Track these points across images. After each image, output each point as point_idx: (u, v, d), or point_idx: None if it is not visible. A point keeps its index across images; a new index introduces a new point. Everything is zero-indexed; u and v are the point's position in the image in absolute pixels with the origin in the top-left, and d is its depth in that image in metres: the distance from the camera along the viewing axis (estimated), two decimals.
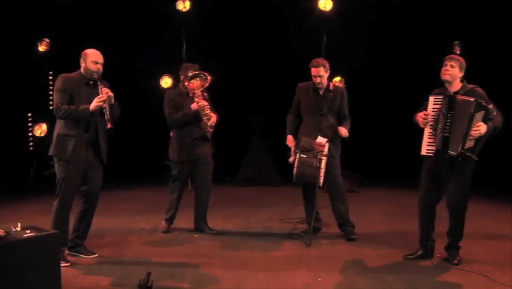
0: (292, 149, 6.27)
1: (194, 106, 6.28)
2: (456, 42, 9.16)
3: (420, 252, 5.68)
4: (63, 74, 5.48)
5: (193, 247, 6.10)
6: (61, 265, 4.85)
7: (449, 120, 5.23)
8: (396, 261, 5.66)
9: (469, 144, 5.18)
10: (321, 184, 6.16)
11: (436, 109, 5.34)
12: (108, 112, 5.34)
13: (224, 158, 8.96)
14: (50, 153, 5.49)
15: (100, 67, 5.48)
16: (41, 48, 9.22)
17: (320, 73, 6.21)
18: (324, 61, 6.27)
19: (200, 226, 6.62)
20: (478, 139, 5.19)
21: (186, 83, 6.25)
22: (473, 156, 5.22)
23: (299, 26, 9.43)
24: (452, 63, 5.32)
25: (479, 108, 5.14)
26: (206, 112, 6.30)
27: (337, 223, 6.49)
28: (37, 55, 9.20)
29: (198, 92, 6.27)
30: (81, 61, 5.50)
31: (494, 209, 7.82)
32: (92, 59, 5.46)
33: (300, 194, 6.55)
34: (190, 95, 6.29)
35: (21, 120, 9.43)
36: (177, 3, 9.42)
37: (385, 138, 9.45)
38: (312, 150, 6.09)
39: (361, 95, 8.51)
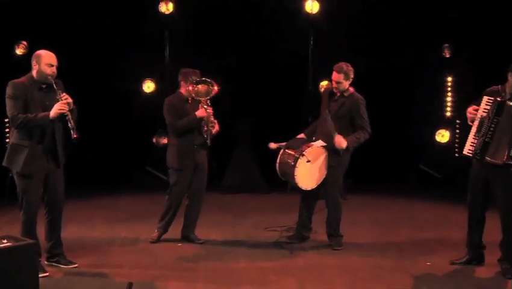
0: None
1: (202, 113, 6.11)
2: (446, 45, 9.14)
3: (467, 257, 5.58)
4: (13, 81, 5.17)
5: (176, 257, 5.96)
6: (39, 275, 4.74)
7: (493, 125, 5.17)
8: (385, 270, 5.55)
9: None
10: (300, 185, 6.06)
11: (486, 110, 5.24)
12: (71, 120, 5.10)
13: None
14: (4, 163, 5.25)
15: (55, 70, 5.19)
16: (19, 51, 8.98)
17: (339, 79, 6.05)
18: (349, 68, 6.07)
19: (188, 233, 6.46)
20: None
21: (191, 88, 6.08)
22: None
23: (286, 28, 9.33)
24: None
25: None
26: (211, 119, 6.17)
27: (326, 233, 6.38)
28: (14, 58, 8.96)
29: (204, 99, 6.11)
30: (33, 63, 5.19)
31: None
32: (47, 61, 5.16)
33: (287, 201, 6.43)
34: (189, 101, 6.18)
35: None
36: (160, 5, 9.28)
37: (374, 142, 9.36)
38: (296, 149, 6.00)
39: None
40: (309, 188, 6.15)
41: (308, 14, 9.23)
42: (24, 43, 9.01)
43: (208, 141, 6.25)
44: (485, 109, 5.25)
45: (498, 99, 5.20)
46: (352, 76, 6.10)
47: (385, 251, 6.12)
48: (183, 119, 6.20)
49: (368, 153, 9.48)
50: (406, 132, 9.52)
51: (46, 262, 5.42)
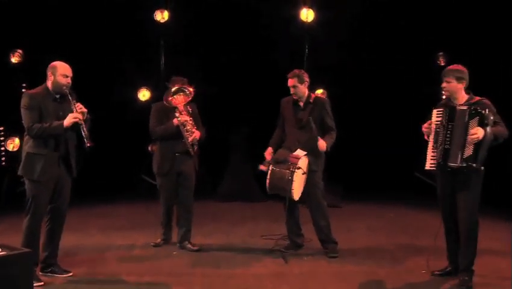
0: (266, 159, 6.22)
1: (174, 121, 6.20)
2: (441, 53, 9.16)
3: (449, 268, 5.54)
4: (28, 91, 5.31)
5: (172, 265, 5.95)
6: (34, 285, 4.70)
7: (449, 132, 5.19)
8: (380, 278, 5.54)
9: (468, 152, 5.08)
10: (295, 198, 6.04)
11: (438, 122, 5.29)
12: (85, 130, 5.20)
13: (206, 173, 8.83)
14: (19, 172, 5.32)
15: (70, 80, 5.28)
16: (14, 59, 8.99)
17: (294, 83, 6.13)
18: (301, 72, 6.18)
19: (182, 241, 6.46)
20: (478, 146, 5.07)
21: (170, 98, 6.20)
22: (475, 165, 5.09)
23: (281, 36, 9.35)
24: (447, 79, 5.26)
25: (473, 114, 5.08)
26: (188, 128, 6.22)
27: (319, 239, 6.35)
28: (9, 66, 8.96)
29: (181, 107, 6.21)
30: (48, 74, 5.28)
31: (492, 225, 7.34)
32: (62, 72, 5.25)
33: (282, 209, 6.43)
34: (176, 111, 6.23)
35: None
36: (156, 13, 9.30)
37: (371, 148, 9.40)
38: (285, 163, 5.99)
39: (342, 108, 8.42)
40: (298, 198, 6.15)
41: (303, 22, 9.27)
42: (20, 51, 9.03)
43: (190, 150, 6.27)
44: (437, 121, 5.29)
45: (451, 105, 5.26)
46: (306, 79, 6.16)
47: (380, 259, 6.11)
48: (161, 126, 6.28)
49: (364, 160, 9.55)
50: (402, 139, 9.55)
51: (40, 273, 5.37)
